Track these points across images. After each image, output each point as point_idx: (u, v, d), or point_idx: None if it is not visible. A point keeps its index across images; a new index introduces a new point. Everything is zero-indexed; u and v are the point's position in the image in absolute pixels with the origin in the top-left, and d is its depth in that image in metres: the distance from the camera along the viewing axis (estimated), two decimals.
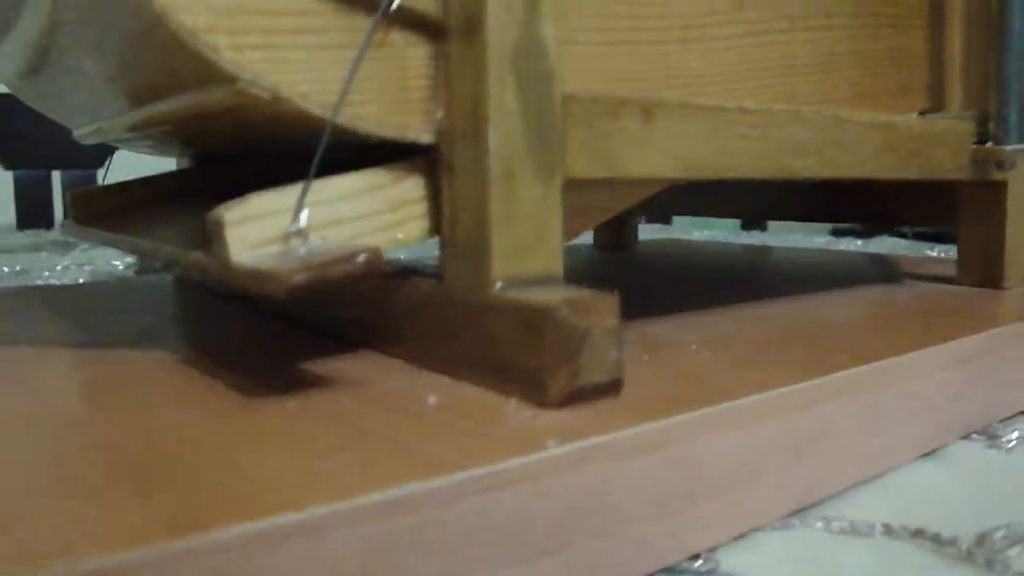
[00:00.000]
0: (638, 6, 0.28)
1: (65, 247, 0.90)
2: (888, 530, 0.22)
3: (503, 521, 0.17)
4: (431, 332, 0.25)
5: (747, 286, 0.44)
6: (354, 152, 0.24)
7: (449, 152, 0.23)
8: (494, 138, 0.22)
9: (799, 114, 0.30)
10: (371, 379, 0.24)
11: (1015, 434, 0.29)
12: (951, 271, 0.43)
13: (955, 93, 0.40)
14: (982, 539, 0.22)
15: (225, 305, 0.38)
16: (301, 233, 0.21)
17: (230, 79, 0.21)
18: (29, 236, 1.05)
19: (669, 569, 0.20)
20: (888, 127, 0.34)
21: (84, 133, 0.36)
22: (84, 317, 0.36)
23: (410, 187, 0.24)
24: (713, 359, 0.26)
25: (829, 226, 1.68)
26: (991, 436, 0.30)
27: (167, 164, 0.41)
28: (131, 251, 0.31)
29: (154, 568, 0.13)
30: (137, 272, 0.67)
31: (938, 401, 0.28)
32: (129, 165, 0.48)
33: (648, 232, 1.01)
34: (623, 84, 0.28)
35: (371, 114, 0.23)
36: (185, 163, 0.43)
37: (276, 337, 0.31)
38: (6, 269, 0.75)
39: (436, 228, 0.24)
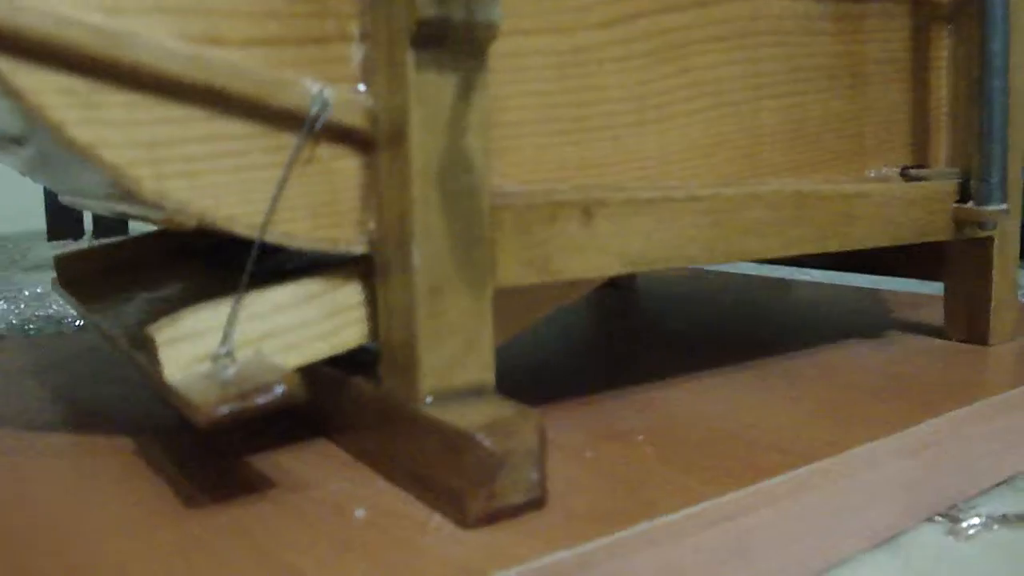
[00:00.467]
0: (587, 92, 0.28)
1: None
2: None
3: None
4: (372, 434, 0.25)
5: (726, 339, 0.44)
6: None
7: (383, 262, 0.24)
8: (418, 255, 0.22)
9: (757, 195, 0.30)
10: (310, 483, 0.24)
11: (976, 520, 0.29)
12: (941, 319, 0.42)
13: (940, 146, 0.39)
14: None
15: None
16: (229, 355, 0.22)
17: (156, 207, 0.21)
18: (57, 248, 1.08)
19: None
20: (859, 196, 0.33)
21: (67, 200, 0.37)
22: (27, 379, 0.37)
23: (348, 294, 0.24)
24: (656, 455, 0.26)
25: None
26: (953, 519, 0.29)
27: None
28: (97, 333, 0.32)
29: None
30: None
31: (893, 490, 0.28)
32: None
33: None
34: (569, 175, 0.27)
35: (302, 230, 0.23)
36: None
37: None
38: (27, 292, 0.77)
39: (375, 332, 0.25)
